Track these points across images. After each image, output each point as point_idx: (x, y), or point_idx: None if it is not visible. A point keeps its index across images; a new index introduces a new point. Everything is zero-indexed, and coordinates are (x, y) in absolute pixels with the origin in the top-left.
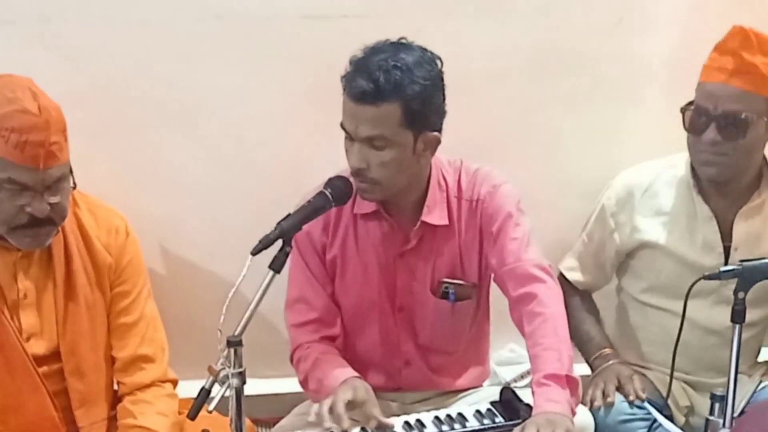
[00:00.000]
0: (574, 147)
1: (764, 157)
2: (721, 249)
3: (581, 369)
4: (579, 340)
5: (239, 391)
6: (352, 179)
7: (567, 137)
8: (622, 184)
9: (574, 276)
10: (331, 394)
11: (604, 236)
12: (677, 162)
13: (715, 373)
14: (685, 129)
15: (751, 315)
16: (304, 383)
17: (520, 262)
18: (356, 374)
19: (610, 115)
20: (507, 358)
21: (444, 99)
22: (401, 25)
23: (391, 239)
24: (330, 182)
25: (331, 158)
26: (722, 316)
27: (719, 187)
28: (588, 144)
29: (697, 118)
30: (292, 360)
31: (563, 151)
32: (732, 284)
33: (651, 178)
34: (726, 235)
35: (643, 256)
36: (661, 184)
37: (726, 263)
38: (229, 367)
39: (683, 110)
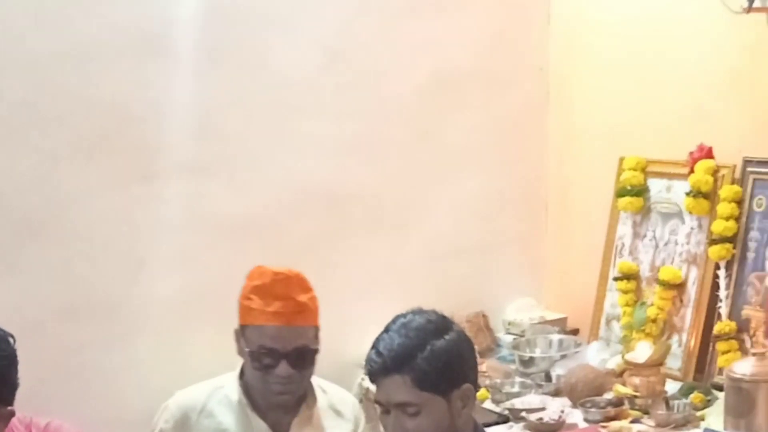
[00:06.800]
0: (121, 383)
1: None
2: None
3: None
4: None
5: None
6: None
7: (113, 374)
8: (177, 406)
9: None
10: None
11: None
12: (224, 383)
13: None
14: (254, 368)
15: None
16: None
17: None
18: None
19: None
20: None
21: None
22: None
23: None
24: None
25: None
26: None
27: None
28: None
29: (265, 358)
30: None
31: (113, 389)
32: None
33: (204, 398)
34: None
35: None
36: (215, 403)
37: None
38: None
39: (251, 353)
